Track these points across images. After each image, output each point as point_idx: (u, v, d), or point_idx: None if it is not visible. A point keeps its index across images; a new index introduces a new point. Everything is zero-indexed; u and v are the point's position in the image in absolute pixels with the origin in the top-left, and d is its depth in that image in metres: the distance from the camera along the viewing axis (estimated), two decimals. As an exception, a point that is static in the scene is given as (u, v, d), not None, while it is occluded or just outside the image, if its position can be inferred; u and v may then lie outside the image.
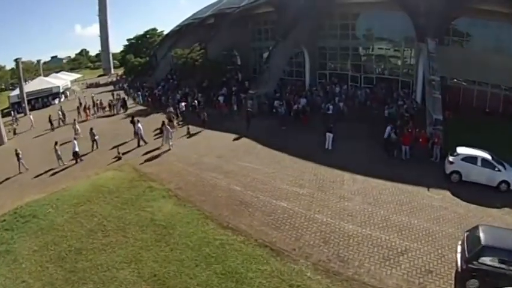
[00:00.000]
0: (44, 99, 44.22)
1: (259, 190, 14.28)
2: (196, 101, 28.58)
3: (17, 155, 18.96)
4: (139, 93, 38.00)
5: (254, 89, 26.80)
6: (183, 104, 27.97)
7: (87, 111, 31.60)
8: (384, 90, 27.17)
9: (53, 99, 44.92)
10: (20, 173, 18.84)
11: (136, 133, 21.51)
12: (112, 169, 17.93)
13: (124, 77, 58.74)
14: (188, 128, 23.14)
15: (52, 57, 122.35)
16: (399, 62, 28.42)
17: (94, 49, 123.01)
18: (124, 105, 32.58)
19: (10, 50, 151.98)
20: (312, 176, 15.38)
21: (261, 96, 26.71)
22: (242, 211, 12.89)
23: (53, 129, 28.39)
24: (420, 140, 17.03)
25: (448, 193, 13.74)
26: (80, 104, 33.76)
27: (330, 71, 32.42)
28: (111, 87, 52.32)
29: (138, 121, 22.24)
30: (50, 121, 28.51)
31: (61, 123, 29.64)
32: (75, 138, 20.61)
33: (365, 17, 29.39)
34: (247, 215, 12.61)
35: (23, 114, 36.60)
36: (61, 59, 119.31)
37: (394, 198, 13.47)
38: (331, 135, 18.11)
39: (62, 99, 45.70)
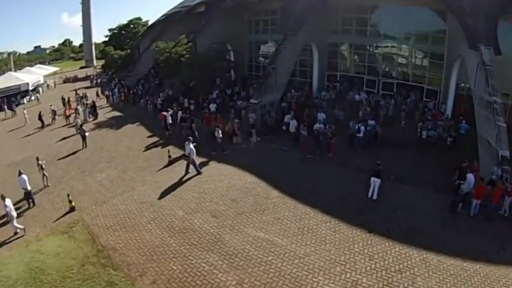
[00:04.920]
0: (12, 98, 35.76)
1: (292, 304, 7.93)
2: (180, 112, 20.80)
3: (39, 165, 14.31)
4: (115, 90, 30.71)
5: (257, 98, 20.02)
6: (169, 114, 20.05)
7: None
8: (412, 101, 20.81)
9: (22, 98, 36.83)
10: (46, 186, 14.42)
11: (188, 156, 14.47)
12: (59, 231, 11.28)
13: (103, 71, 50.20)
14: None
15: (35, 47, 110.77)
16: (425, 67, 22.03)
17: (80, 39, 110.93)
18: (94, 112, 25.21)
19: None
20: (368, 260, 9.07)
21: (266, 106, 20.07)
22: None
23: (42, 128, 24.32)
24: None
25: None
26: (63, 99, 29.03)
27: (341, 73, 25.89)
28: (88, 83, 44.19)
29: (191, 140, 14.69)
30: (40, 118, 24.33)
31: (54, 121, 25.24)
32: (21, 174, 12.65)
33: (387, 10, 22.63)
34: None
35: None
36: (44, 49, 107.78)
37: (488, 298, 7.65)
38: (378, 181, 11.66)
39: (31, 98, 37.62)
